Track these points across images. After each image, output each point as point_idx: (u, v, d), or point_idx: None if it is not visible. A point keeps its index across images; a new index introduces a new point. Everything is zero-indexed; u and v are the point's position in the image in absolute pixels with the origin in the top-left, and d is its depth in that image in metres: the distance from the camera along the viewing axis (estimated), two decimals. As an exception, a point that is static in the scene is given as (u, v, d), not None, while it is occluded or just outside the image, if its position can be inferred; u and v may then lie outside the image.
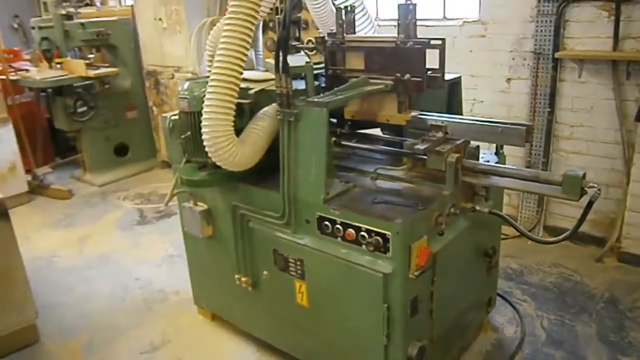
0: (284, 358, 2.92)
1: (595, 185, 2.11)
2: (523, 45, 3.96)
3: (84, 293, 3.83)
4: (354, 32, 2.73)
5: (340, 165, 2.73)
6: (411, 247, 2.16)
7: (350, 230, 2.26)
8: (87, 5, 6.56)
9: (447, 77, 2.81)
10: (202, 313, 3.41)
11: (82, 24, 5.65)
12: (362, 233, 2.22)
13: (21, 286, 3.16)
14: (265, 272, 2.72)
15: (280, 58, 2.29)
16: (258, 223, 2.66)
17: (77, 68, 5.50)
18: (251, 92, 2.59)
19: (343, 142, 2.77)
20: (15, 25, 7.82)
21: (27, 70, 5.75)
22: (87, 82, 5.67)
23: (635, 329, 3.10)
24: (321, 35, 2.72)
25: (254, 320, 3.00)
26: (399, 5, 2.44)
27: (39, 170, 5.94)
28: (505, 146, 4.01)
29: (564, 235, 2.34)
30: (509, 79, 4.11)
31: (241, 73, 2.25)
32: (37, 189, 5.75)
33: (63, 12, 5.54)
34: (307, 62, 2.36)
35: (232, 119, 2.29)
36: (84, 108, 5.68)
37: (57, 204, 5.54)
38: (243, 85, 2.66)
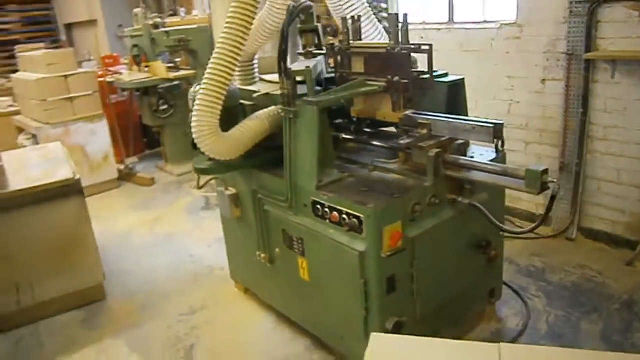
0: (296, 328, 3.30)
1: (555, 180, 2.26)
2: (557, 47, 3.99)
3: (147, 264, 4.49)
4: (360, 39, 3.03)
5: (347, 158, 3.06)
6: (383, 229, 2.44)
7: (335, 213, 2.59)
8: (172, 15, 7.37)
9: (448, 79, 3.04)
10: (238, 287, 3.89)
11: (166, 32, 6.42)
12: (344, 216, 2.54)
13: (92, 252, 3.85)
14: (277, 250, 3.13)
15: (282, 63, 2.68)
16: (271, 206, 3.07)
17: (159, 71, 6.29)
18: (254, 95, 3.01)
19: (347, 137, 3.10)
20: (119, 34, 8.94)
21: (121, 73, 6.66)
22: (169, 83, 6.45)
23: (643, 331, 3.09)
24: (331, 42, 3.07)
25: (272, 292, 3.42)
26: (389, 15, 2.72)
27: (128, 160, 6.85)
28: (540, 148, 4.10)
29: (530, 227, 2.48)
30: (543, 80, 4.14)
31: (231, 75, 2.66)
32: (126, 176, 6.64)
33: (151, 22, 6.35)
34: (307, 67, 2.71)
35: (218, 113, 2.68)
36: (165, 106, 6.46)
37: (141, 190, 6.37)
38: (255, 88, 3.10)
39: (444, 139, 2.65)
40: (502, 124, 2.48)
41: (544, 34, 4.03)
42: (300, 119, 2.69)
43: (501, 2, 4.36)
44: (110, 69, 6.88)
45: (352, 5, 3.04)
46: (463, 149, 2.77)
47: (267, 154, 3.02)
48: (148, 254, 4.69)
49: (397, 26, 2.69)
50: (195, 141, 2.76)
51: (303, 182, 2.76)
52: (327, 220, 2.65)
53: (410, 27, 4.78)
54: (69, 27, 10.47)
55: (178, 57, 6.98)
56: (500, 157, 2.98)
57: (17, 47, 7.53)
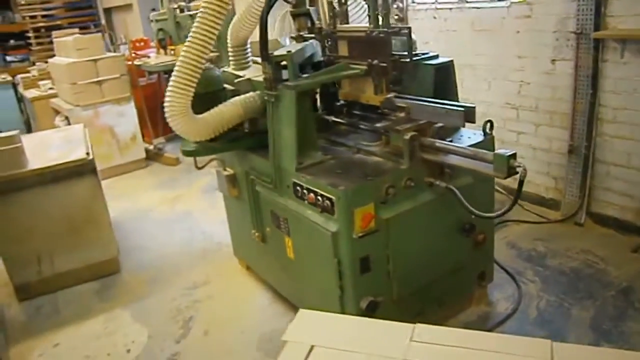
0: (288, 305, 3.43)
1: (521, 165, 2.24)
2: (566, 25, 3.85)
3: (163, 240, 4.72)
4: (347, 23, 3.05)
5: (335, 141, 3.12)
6: (354, 211, 2.50)
7: (311, 194, 2.66)
8: (196, -1, 7.52)
9: (435, 61, 3.02)
10: (241, 263, 4.04)
11: (190, 15, 6.57)
12: (318, 197, 2.61)
13: (105, 228, 4.10)
14: (268, 229, 3.24)
15: (263, 49, 2.75)
16: (260, 187, 3.17)
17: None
18: (235, 80, 3.09)
19: (336, 120, 3.15)
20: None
21: (149, 56, 6.90)
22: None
23: (635, 319, 3.02)
24: (318, 25, 3.10)
25: (266, 269, 3.55)
26: (345, 4, 2.72)
27: (156, 141, 7.12)
28: (550, 130, 4.00)
29: (501, 211, 2.47)
30: (553, 60, 4.02)
31: (203, 60, 2.74)
32: (154, 156, 6.92)
33: (175, 5, 6.52)
34: (288, 52, 2.77)
35: (190, 95, 2.76)
36: (190, 88, 6.65)
37: (166, 169, 6.63)
38: (248, 72, 3.18)
39: (422, 122, 2.66)
40: (474, 107, 2.46)
41: (554, 12, 3.89)
42: (281, 102, 2.77)
43: (512, -21, 4.22)
44: (140, 52, 7.13)
45: (338, -12, 3.05)
46: (442, 133, 2.77)
47: (251, 137, 3.12)
48: (165, 230, 4.92)
49: (377, 9, 2.69)
50: (167, 120, 2.87)
51: (285, 164, 2.84)
52: (305, 201, 2.73)
53: (423, 6, 4.76)
54: (108, 11, 10.84)
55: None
56: (487, 140, 2.96)
57: (54, 32, 7.89)
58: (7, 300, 3.92)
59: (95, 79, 6.17)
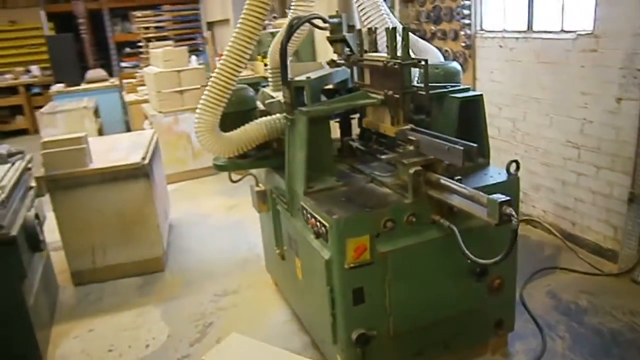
0: (302, 325, 3.45)
1: (513, 213, 2.10)
2: (634, 62, 3.51)
3: (210, 245, 4.97)
4: (376, 51, 3.04)
5: (356, 168, 3.12)
6: (346, 240, 2.48)
7: (312, 219, 2.69)
8: (275, 17, 7.84)
9: (463, 94, 2.92)
10: (272, 278, 4.14)
11: (271, 33, 6.88)
12: (317, 223, 2.63)
13: (154, 229, 4.40)
14: (285, 247, 3.31)
15: (283, 74, 2.84)
16: (280, 206, 3.25)
17: (260, 69, 6.78)
18: (266, 101, 3.20)
19: (359, 147, 3.15)
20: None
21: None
22: (268, 81, 6.91)
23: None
24: (348, 53, 3.13)
25: (285, 286, 3.62)
26: (386, 30, 2.70)
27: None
28: (611, 174, 3.70)
29: (493, 260, 2.31)
30: (619, 98, 3.68)
31: (234, 81, 2.92)
32: (225, 164, 7.28)
33: (257, 24, 6.85)
34: (307, 78, 2.83)
35: (218, 114, 2.96)
36: (263, 102, 6.94)
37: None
38: (276, 94, 3.29)
39: (432, 157, 2.58)
40: (474, 147, 2.33)
41: (621, 46, 3.58)
42: (295, 126, 2.83)
43: (580, 10, 3.94)
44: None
45: (368, 17, 3.05)
46: (457, 170, 2.65)
47: (277, 157, 3.20)
48: (215, 235, 5.17)
49: (395, 39, 2.67)
50: (195, 136, 3.05)
51: (296, 187, 2.89)
52: (309, 225, 2.76)
53: (489, 34, 4.61)
54: (211, 25, 11.63)
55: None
56: (511, 181, 2.80)
57: (151, 43, 8.62)
58: (64, 284, 4.35)
59: (178, 89, 6.67)
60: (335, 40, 3.34)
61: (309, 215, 2.75)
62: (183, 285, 4.25)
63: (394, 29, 2.68)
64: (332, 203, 2.65)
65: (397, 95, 2.66)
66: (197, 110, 3.02)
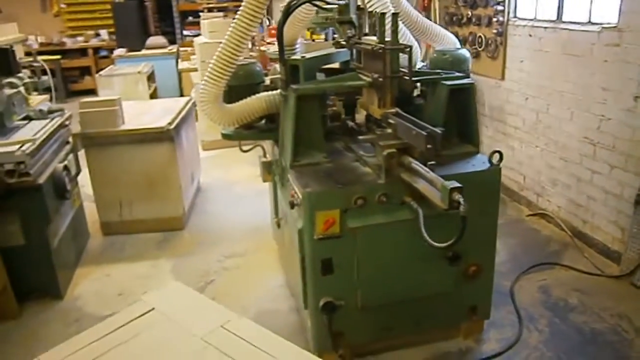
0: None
1: (460, 200, 2.17)
2: (655, 59, 3.37)
3: (230, 210, 5.26)
4: (375, 34, 3.10)
5: (350, 147, 3.24)
6: (316, 213, 2.64)
7: (292, 190, 2.86)
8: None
9: (452, 82, 2.95)
10: (277, 245, 4.37)
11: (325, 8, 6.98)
12: (294, 194, 2.80)
13: (175, 189, 4.73)
14: (280, 217, 3.51)
15: (281, 53, 2.98)
16: (276, 177, 3.44)
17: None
18: (272, 76, 3.36)
19: (353, 127, 3.26)
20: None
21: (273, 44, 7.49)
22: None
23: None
24: (349, 35, 3.22)
25: (280, 253, 3.82)
26: (377, 14, 2.77)
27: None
28: (624, 174, 3.65)
29: (447, 243, 2.37)
30: (636, 97, 3.54)
31: (237, 55, 3.09)
32: (263, 135, 7.55)
33: None
34: (302, 57, 2.96)
35: (221, 86, 3.14)
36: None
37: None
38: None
39: (406, 141, 2.66)
40: (438, 132, 2.37)
41: (643, 43, 3.43)
42: (287, 103, 2.99)
43: (609, 0, 3.78)
44: (272, 39, 7.77)
45: (373, 4, 3.11)
46: (435, 155, 2.70)
47: (277, 131, 3.37)
48: (238, 201, 5.46)
49: (384, 25, 2.74)
50: (198, 106, 3.26)
51: (285, 159, 3.07)
52: (290, 196, 2.93)
53: (521, 22, 4.51)
54: (269, -2, 11.84)
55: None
56: (492, 170, 2.83)
57: (202, 14, 8.94)
58: (95, 233, 4.79)
59: (221, 60, 6.93)
60: (343, 22, 3.45)
61: (291, 187, 2.92)
62: (197, 244, 4.57)
63: (383, 14, 2.75)
64: (312, 177, 2.80)
65: (380, 79, 2.75)
66: (202, 82, 3.24)
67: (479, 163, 2.90)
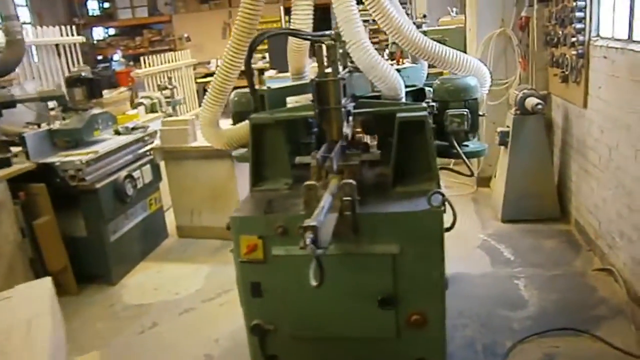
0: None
1: (307, 241, 2.10)
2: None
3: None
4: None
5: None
6: (240, 237, 2.76)
7: (237, 213, 3.01)
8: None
9: (405, 114, 2.79)
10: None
11: (424, 31, 6.84)
12: (236, 218, 2.95)
13: (234, 202, 5.17)
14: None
15: (250, 85, 3.17)
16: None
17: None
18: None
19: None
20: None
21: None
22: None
23: None
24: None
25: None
26: (326, 45, 2.77)
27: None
28: None
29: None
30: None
31: (229, 82, 3.28)
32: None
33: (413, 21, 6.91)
34: (268, 87, 3.08)
35: (216, 110, 3.34)
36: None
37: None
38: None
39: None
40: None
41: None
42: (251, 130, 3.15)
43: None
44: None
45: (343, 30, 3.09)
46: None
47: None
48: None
49: (333, 54, 2.73)
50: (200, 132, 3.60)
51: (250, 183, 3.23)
52: (231, 218, 3.08)
53: (601, 42, 3.96)
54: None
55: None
56: (423, 213, 2.59)
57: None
58: (172, 234, 5.52)
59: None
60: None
61: (240, 210, 3.08)
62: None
63: (334, 45, 2.74)
64: (254, 202, 2.93)
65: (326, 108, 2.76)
66: (201, 107, 3.59)
67: (421, 203, 2.67)
